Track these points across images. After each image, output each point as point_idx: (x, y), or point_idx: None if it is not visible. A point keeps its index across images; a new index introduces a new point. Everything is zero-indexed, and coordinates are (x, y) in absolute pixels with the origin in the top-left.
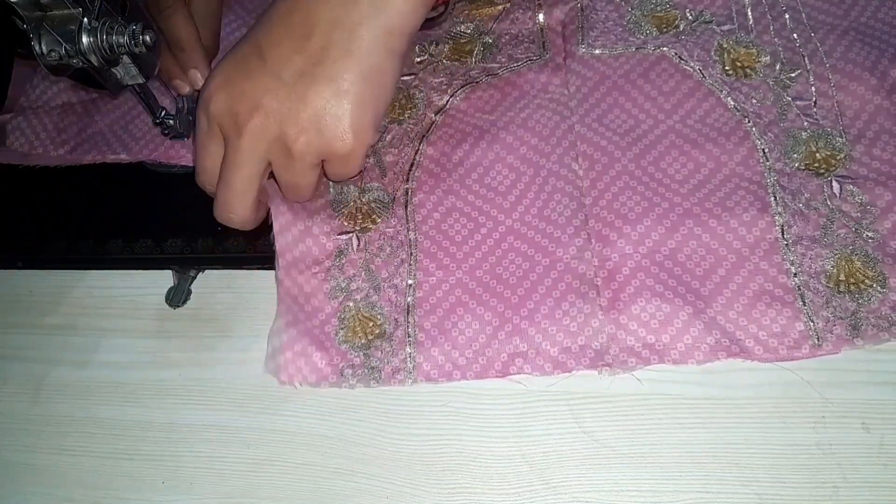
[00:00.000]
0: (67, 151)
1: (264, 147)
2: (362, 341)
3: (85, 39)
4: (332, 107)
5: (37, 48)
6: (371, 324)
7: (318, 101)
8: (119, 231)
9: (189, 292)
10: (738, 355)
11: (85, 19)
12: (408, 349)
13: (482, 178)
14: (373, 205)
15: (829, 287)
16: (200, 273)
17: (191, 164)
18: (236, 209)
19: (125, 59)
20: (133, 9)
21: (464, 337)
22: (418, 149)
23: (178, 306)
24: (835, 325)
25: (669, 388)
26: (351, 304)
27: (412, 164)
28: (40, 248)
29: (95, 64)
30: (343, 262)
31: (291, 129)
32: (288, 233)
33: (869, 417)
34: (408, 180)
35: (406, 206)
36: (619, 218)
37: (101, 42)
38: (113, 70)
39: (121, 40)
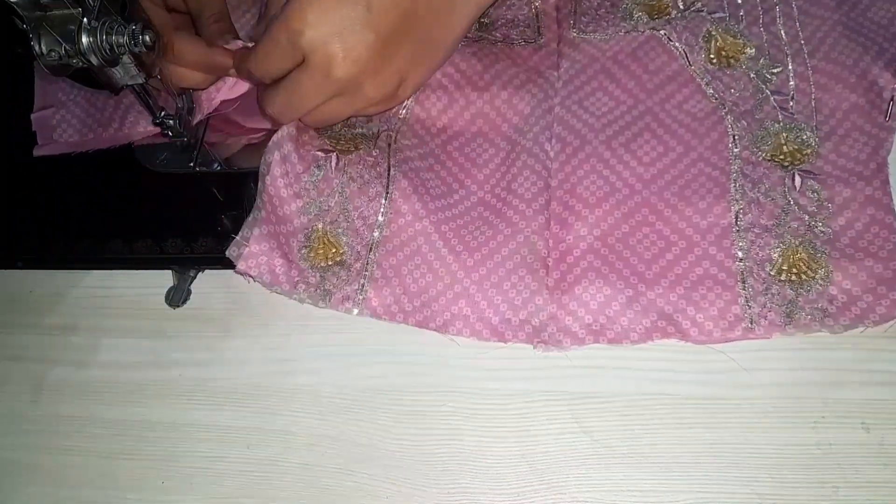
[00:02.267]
0: (116, 129)
1: (339, 87)
2: (321, 265)
3: (84, 39)
4: (411, 70)
5: (36, 48)
6: (334, 250)
7: (400, 62)
8: (119, 231)
9: (189, 292)
10: (673, 336)
11: (84, 19)
12: (362, 281)
13: (462, 148)
14: (357, 136)
15: (771, 275)
16: (200, 273)
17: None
18: (290, 119)
19: (125, 58)
20: (133, 8)
21: (416, 285)
22: (406, 104)
23: (178, 306)
24: (770, 311)
25: (669, 387)
26: (320, 225)
27: (400, 118)
28: (41, 248)
29: (95, 64)
30: (319, 179)
31: (370, 80)
32: (277, 133)
33: (869, 417)
34: (393, 130)
35: (389, 146)
36: (579, 202)
37: (101, 42)
38: (113, 70)
39: (120, 40)
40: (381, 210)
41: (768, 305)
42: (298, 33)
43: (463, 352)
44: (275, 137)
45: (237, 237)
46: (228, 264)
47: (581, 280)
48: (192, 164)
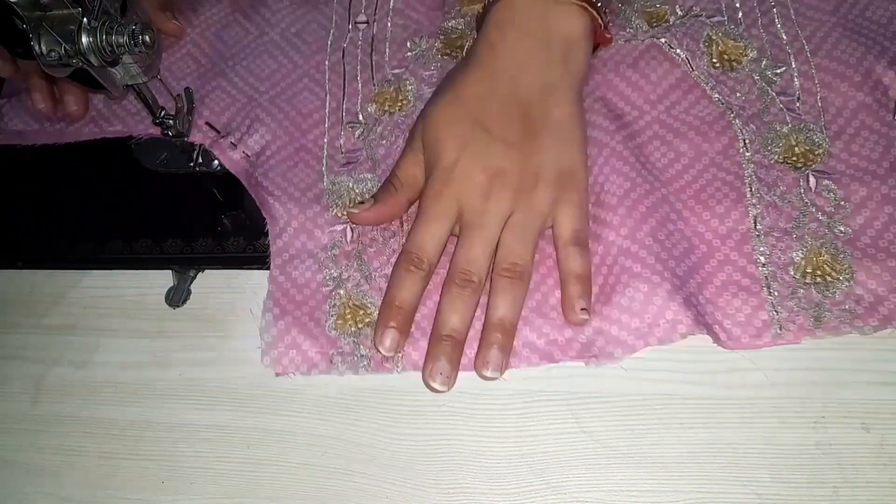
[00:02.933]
0: (64, 126)
1: (506, 205)
2: (352, 329)
3: (84, 39)
4: (558, 152)
5: (37, 48)
6: (361, 312)
7: (547, 152)
8: (119, 231)
9: (189, 292)
10: (709, 335)
11: (84, 19)
12: None
13: None
14: (366, 196)
15: (795, 278)
16: (200, 273)
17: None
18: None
19: (125, 58)
20: (132, 9)
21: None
22: None
23: (178, 306)
24: (798, 316)
25: (669, 387)
26: (342, 292)
27: None
28: (41, 247)
29: (95, 64)
30: (336, 252)
31: (528, 181)
32: (284, 233)
33: (869, 417)
34: None
35: None
36: (603, 209)
37: (101, 42)
38: (113, 70)
39: (120, 40)
40: None
41: (796, 310)
42: (450, 168)
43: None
44: (277, 245)
45: (262, 346)
46: (228, 264)
47: (616, 286)
48: (192, 164)
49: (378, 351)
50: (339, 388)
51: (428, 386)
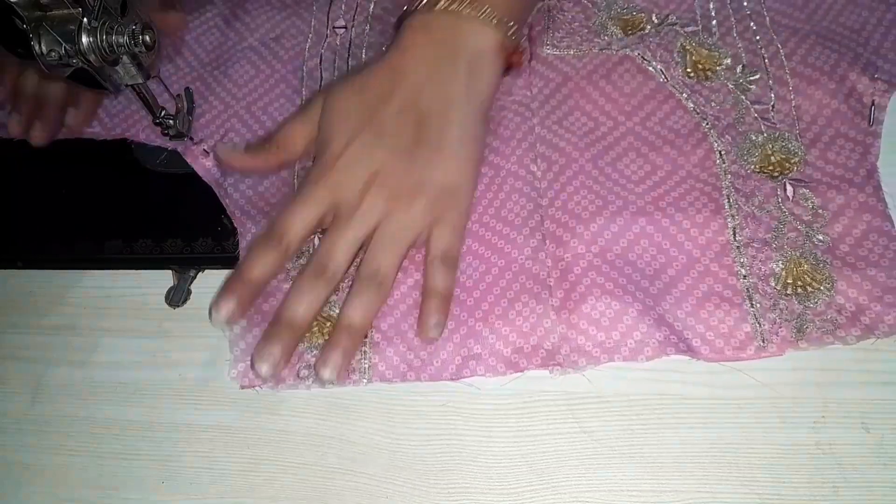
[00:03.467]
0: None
1: (380, 209)
2: (319, 342)
3: (85, 39)
4: (446, 169)
5: (37, 48)
6: (329, 324)
7: (434, 166)
8: (119, 231)
9: (189, 292)
10: (686, 353)
11: (85, 19)
12: (364, 349)
13: None
14: None
15: (776, 289)
16: (200, 273)
17: (165, 146)
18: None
19: (125, 59)
20: (133, 9)
21: (419, 339)
22: None
23: (178, 306)
24: (780, 328)
25: (669, 388)
26: None
27: None
28: (40, 248)
29: (95, 64)
30: (304, 263)
31: (407, 191)
32: None
33: (869, 417)
34: None
35: None
36: (573, 218)
37: (101, 42)
38: (113, 70)
39: (120, 40)
40: None
41: (778, 321)
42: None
43: None
44: (242, 243)
45: (231, 358)
46: (228, 264)
47: (587, 297)
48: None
49: (210, 317)
50: (338, 388)
51: (255, 369)
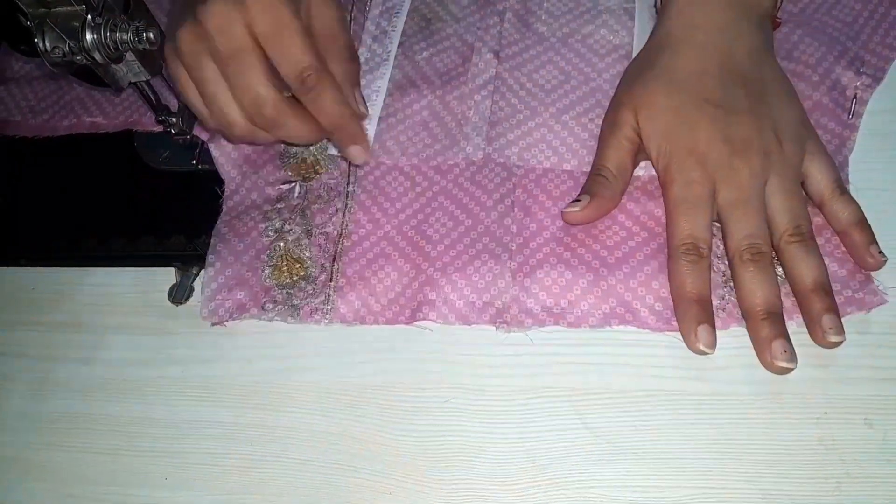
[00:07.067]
0: (45, 120)
1: (761, 172)
2: (287, 281)
3: (88, 36)
4: (786, 107)
5: (40, 45)
6: (298, 266)
7: (777, 109)
8: (122, 228)
9: (191, 289)
10: (631, 323)
11: (88, 16)
12: (328, 292)
13: (424, 139)
14: (320, 157)
15: (726, 266)
16: (203, 270)
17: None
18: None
19: (129, 56)
20: (136, 6)
21: (382, 286)
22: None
23: (181, 303)
24: (728, 303)
25: (672, 383)
26: (282, 244)
27: None
28: (43, 245)
29: (99, 61)
30: (281, 206)
31: (771, 141)
32: (237, 195)
33: (872, 413)
34: None
35: (349, 164)
36: (543, 193)
37: (105, 39)
38: (116, 67)
39: (124, 37)
40: (343, 223)
41: (727, 298)
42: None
43: (466, 349)
44: (228, 204)
45: (202, 299)
46: None
47: (543, 264)
48: (193, 162)
49: (694, 348)
50: (341, 385)
51: (774, 366)
